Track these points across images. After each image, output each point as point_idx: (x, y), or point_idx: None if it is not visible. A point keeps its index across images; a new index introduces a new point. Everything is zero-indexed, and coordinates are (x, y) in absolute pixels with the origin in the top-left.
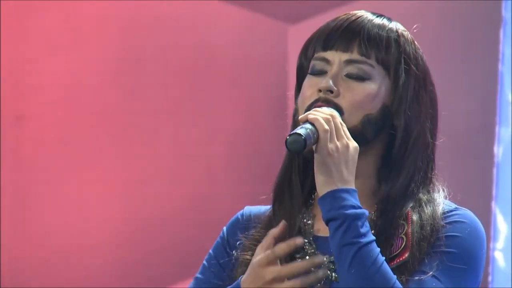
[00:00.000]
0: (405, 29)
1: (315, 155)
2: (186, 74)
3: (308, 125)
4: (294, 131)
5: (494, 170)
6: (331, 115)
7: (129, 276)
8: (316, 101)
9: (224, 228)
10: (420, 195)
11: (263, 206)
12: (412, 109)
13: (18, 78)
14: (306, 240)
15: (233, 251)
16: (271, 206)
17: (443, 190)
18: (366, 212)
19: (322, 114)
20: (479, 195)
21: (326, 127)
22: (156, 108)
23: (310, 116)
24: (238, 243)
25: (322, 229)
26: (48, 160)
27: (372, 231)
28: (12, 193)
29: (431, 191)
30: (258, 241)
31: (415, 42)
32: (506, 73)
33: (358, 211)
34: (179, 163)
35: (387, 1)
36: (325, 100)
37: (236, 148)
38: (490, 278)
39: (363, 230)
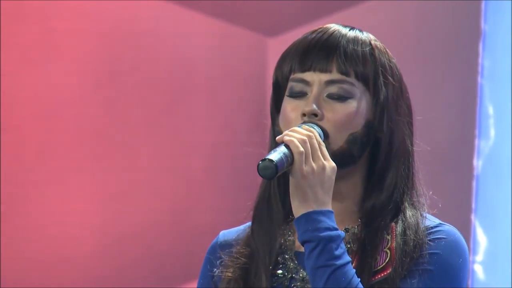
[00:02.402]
0: (376, 39)
1: (290, 178)
2: (164, 88)
3: (282, 147)
4: (266, 157)
5: (474, 183)
6: (308, 136)
7: None
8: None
9: (205, 257)
10: (405, 203)
11: (236, 228)
12: (393, 120)
13: None
14: (287, 256)
15: (214, 269)
16: (249, 224)
17: (426, 197)
18: (342, 233)
19: (298, 135)
20: (459, 208)
21: (301, 149)
22: (134, 121)
23: (286, 138)
24: (219, 261)
25: None
26: (27, 173)
27: (355, 246)
28: None
29: (415, 195)
30: (238, 259)
31: (387, 51)
32: (486, 86)
33: (332, 233)
34: (158, 176)
35: (364, 14)
36: (310, 124)
37: (215, 161)
38: None
39: (337, 252)
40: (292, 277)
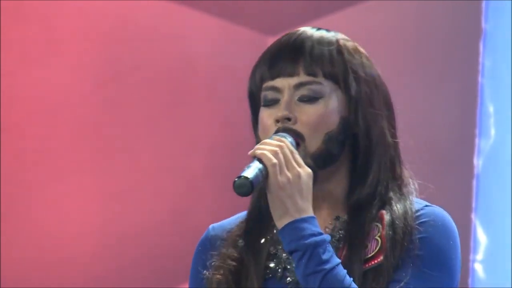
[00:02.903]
0: (346, 38)
1: (267, 191)
2: (165, 86)
3: (256, 163)
4: (241, 174)
5: (474, 182)
6: (279, 146)
7: None
8: (276, 131)
9: (194, 254)
10: (391, 193)
11: (228, 220)
12: (368, 114)
13: None
14: (280, 247)
15: (205, 271)
16: (239, 216)
17: (413, 183)
18: (328, 237)
19: (269, 147)
20: (459, 207)
21: (274, 160)
22: (135, 120)
23: (257, 152)
24: (208, 262)
25: None
26: (27, 172)
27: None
28: None
29: (402, 186)
30: (226, 259)
31: (358, 48)
32: (486, 85)
33: (318, 238)
34: (159, 176)
35: (364, 13)
36: (285, 129)
37: (216, 160)
38: None
39: (325, 256)
40: (285, 268)
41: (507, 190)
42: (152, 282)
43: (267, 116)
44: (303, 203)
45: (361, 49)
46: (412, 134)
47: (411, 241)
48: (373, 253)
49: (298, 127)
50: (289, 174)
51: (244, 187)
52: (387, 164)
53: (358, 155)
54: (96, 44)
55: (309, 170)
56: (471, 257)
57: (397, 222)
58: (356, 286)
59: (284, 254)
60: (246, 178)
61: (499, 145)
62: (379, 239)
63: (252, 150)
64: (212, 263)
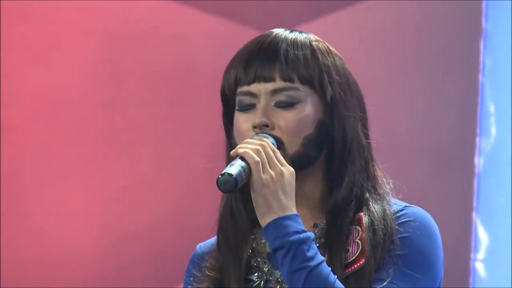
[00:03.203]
0: (318, 39)
1: (251, 189)
2: (166, 87)
3: (239, 161)
4: (224, 171)
5: (475, 181)
6: (261, 145)
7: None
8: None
9: (186, 271)
10: (367, 194)
11: (213, 239)
12: (343, 117)
13: None
14: (260, 259)
15: (189, 286)
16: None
17: (388, 183)
18: (311, 234)
19: (251, 145)
20: (460, 206)
21: (257, 158)
22: (136, 120)
23: (240, 150)
24: (192, 278)
25: None
26: (28, 172)
27: (325, 240)
28: None
29: (377, 187)
30: (210, 272)
31: (330, 48)
32: (487, 84)
33: (302, 235)
34: (159, 175)
35: (365, 13)
36: (262, 134)
37: (216, 161)
38: None
39: (310, 253)
40: (267, 280)
41: (508, 189)
42: (152, 282)
43: (243, 121)
44: (286, 201)
45: (333, 49)
46: (413, 133)
47: (392, 241)
48: (354, 256)
49: (276, 132)
50: (272, 172)
51: (227, 184)
52: (362, 165)
53: (334, 158)
54: (96, 43)
55: (292, 169)
56: (472, 256)
57: (376, 224)
58: (340, 284)
59: (265, 266)
60: (230, 174)
61: (500, 144)
62: (359, 242)
63: (234, 149)
64: (196, 278)
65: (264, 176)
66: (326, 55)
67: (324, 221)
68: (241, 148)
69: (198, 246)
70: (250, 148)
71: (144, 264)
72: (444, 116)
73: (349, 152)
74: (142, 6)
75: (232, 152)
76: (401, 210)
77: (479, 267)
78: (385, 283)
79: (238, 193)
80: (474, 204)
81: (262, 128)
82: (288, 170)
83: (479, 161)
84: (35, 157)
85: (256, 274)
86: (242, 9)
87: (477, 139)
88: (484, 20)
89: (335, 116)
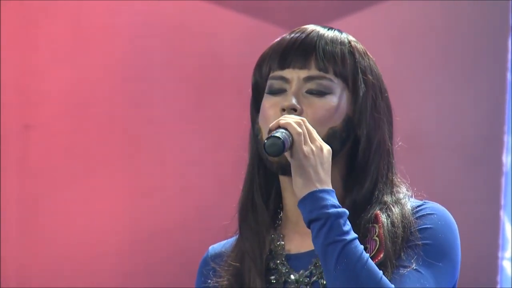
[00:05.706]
0: (356, 40)
1: (291, 159)
2: (193, 82)
3: (281, 130)
4: (271, 135)
5: (503, 179)
6: (302, 119)
7: (134, 286)
8: None
9: (198, 271)
10: (385, 198)
11: (225, 241)
12: (372, 118)
13: (25, 86)
14: (278, 261)
15: (209, 280)
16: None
17: (407, 190)
18: (347, 211)
19: (292, 119)
20: (488, 204)
21: (299, 130)
22: (163, 115)
23: (282, 122)
24: (211, 272)
25: (293, 248)
26: (55, 168)
27: None
28: (19, 202)
29: (395, 192)
30: (230, 265)
31: (367, 52)
32: None
33: (339, 210)
34: (187, 171)
35: (392, 11)
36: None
37: (244, 157)
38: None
39: (345, 228)
40: (285, 281)
41: None
42: (181, 278)
43: (271, 104)
44: (324, 176)
45: (369, 53)
46: (441, 131)
47: (411, 233)
48: (373, 253)
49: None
50: (312, 146)
51: (275, 146)
52: (384, 169)
53: (355, 157)
54: (124, 41)
55: (329, 147)
56: (499, 254)
57: (395, 219)
58: (372, 262)
59: (283, 268)
60: (278, 137)
61: None
62: (377, 238)
63: (274, 122)
64: (216, 273)
65: (305, 148)
66: (363, 55)
67: None
68: (282, 120)
69: (210, 247)
70: (292, 120)
71: (171, 263)
72: (472, 114)
73: (375, 153)
74: (170, 5)
75: (272, 124)
76: (420, 205)
77: (507, 266)
78: (408, 269)
79: (259, 185)
80: (502, 202)
81: (290, 112)
82: (326, 147)
83: (507, 159)
84: (62, 156)
85: (274, 276)
86: (268, 8)
87: (505, 137)
88: None
89: (365, 115)
